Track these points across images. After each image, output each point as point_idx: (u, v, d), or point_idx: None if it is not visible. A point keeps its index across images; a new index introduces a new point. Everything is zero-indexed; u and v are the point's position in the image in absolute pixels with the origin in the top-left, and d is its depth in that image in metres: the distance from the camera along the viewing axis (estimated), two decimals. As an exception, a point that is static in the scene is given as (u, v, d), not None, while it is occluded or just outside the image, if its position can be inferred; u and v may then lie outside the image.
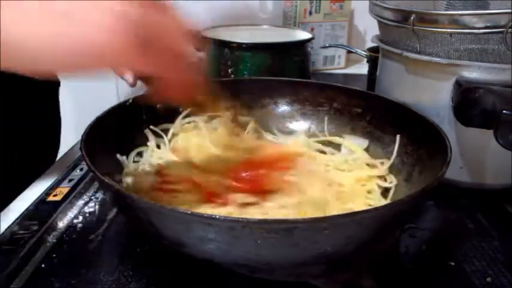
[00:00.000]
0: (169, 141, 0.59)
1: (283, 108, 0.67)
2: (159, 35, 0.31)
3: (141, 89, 0.60)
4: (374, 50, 0.90)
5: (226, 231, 0.34)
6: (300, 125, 0.66)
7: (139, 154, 0.56)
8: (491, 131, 0.46)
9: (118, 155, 0.52)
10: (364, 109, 0.62)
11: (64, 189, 0.56)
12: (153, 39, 0.31)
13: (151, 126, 0.58)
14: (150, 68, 0.33)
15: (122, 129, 0.54)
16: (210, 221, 0.34)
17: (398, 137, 0.56)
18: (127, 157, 0.54)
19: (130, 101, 0.56)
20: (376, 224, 0.37)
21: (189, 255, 0.39)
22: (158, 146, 0.58)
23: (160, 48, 0.32)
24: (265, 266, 0.40)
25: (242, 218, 0.34)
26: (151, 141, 0.57)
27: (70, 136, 0.72)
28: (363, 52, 0.96)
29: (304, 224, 0.35)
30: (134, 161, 0.54)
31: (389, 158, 0.56)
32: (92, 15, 0.28)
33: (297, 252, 0.36)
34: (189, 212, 0.35)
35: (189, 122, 0.61)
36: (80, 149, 0.43)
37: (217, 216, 0.34)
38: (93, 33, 0.28)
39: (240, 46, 0.85)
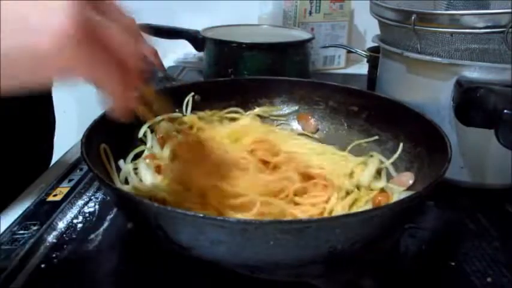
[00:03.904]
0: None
1: (279, 107, 0.67)
2: (109, 39, 0.29)
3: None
4: (374, 50, 0.90)
5: (239, 233, 0.35)
6: (296, 124, 0.67)
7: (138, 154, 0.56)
8: (491, 131, 0.46)
9: (116, 157, 0.52)
10: (361, 107, 0.62)
11: (64, 189, 0.56)
12: (104, 45, 0.29)
13: (141, 133, 0.58)
14: (98, 73, 0.30)
15: (120, 130, 0.54)
16: (222, 223, 0.34)
17: (401, 145, 0.56)
18: (124, 159, 0.53)
19: None
20: (384, 221, 0.38)
21: (197, 257, 0.39)
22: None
23: (110, 55, 0.29)
24: (274, 266, 0.40)
25: (255, 220, 0.34)
26: (149, 143, 0.57)
27: (70, 136, 0.72)
28: (363, 52, 0.96)
29: (316, 224, 0.35)
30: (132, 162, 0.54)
31: (386, 156, 0.56)
32: (47, 21, 0.26)
33: (307, 251, 0.37)
34: (201, 215, 0.35)
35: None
36: (81, 152, 0.43)
37: (229, 219, 0.35)
38: (49, 40, 0.26)
39: (240, 46, 0.85)
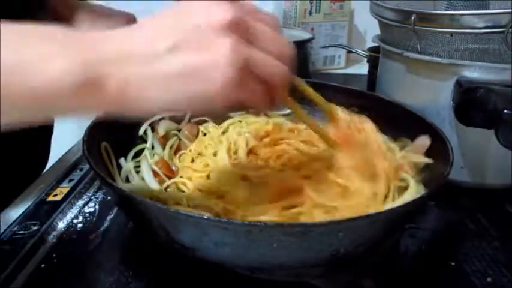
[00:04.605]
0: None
1: (278, 107, 0.67)
2: (262, 64, 0.32)
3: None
4: (374, 50, 0.90)
5: (243, 235, 0.35)
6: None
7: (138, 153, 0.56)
8: (491, 131, 0.46)
9: (117, 156, 0.52)
10: (361, 109, 0.62)
11: (64, 189, 0.56)
12: (257, 70, 0.31)
13: (141, 131, 0.58)
14: (250, 100, 0.33)
15: (120, 128, 0.54)
16: (227, 225, 0.34)
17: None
18: (125, 157, 0.53)
19: None
20: (387, 224, 0.38)
21: (200, 258, 0.39)
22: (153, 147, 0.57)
23: (261, 79, 0.32)
24: (277, 268, 0.40)
25: (260, 222, 0.35)
26: (149, 141, 0.57)
27: (70, 136, 0.72)
28: (363, 52, 0.96)
29: (320, 228, 0.35)
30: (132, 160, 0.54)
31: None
32: (216, 70, 0.29)
33: (311, 254, 0.37)
34: (205, 217, 0.35)
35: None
36: (83, 151, 0.43)
37: (234, 221, 0.35)
38: (219, 86, 0.29)
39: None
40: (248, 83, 0.31)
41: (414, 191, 0.46)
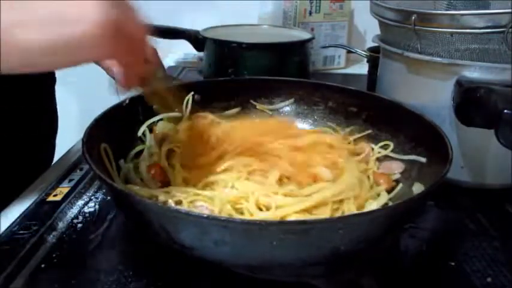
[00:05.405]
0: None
1: (278, 106, 0.67)
2: (129, 26, 0.35)
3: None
4: (374, 50, 0.90)
5: (243, 233, 0.35)
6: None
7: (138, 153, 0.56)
8: (492, 131, 0.46)
9: (116, 157, 0.52)
10: (360, 108, 0.62)
11: (64, 189, 0.56)
12: (126, 30, 0.34)
13: (140, 132, 0.58)
14: (122, 56, 0.37)
15: (120, 129, 0.54)
16: (226, 223, 0.35)
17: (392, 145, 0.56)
18: (125, 158, 0.53)
19: (127, 101, 0.56)
20: (386, 221, 0.39)
21: (199, 257, 0.39)
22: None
23: (130, 37, 0.36)
24: (276, 266, 0.40)
25: (260, 221, 0.35)
26: (147, 142, 0.57)
27: (70, 135, 0.72)
28: (363, 52, 0.96)
29: (320, 225, 0.36)
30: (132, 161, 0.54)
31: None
32: (84, 12, 0.32)
33: (311, 252, 0.37)
34: (205, 216, 0.35)
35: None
36: (83, 152, 0.43)
37: (233, 219, 0.35)
38: (87, 29, 0.32)
39: (240, 46, 0.85)
40: (118, 35, 0.33)
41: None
